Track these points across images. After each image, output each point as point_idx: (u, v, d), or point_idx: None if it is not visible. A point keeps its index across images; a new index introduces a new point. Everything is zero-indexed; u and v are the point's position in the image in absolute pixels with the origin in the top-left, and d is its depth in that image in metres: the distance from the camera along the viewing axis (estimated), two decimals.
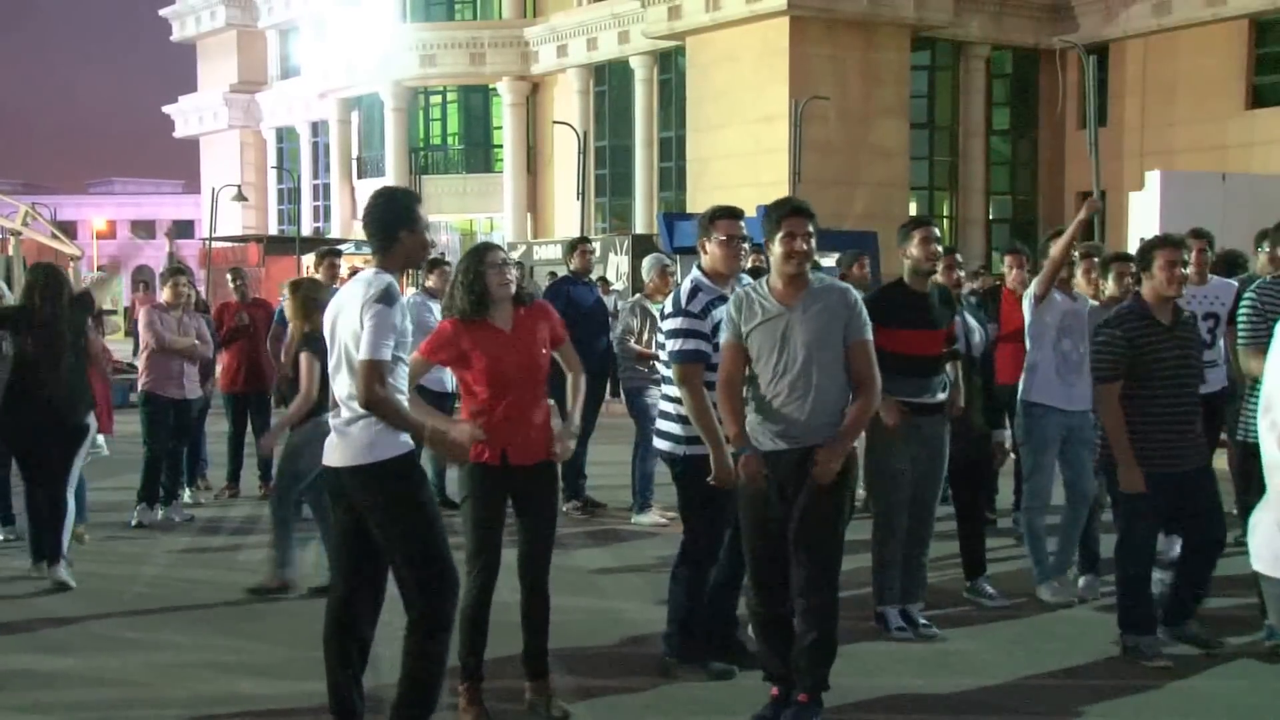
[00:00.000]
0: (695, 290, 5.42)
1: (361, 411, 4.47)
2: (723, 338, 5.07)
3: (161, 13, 58.60)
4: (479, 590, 5.04)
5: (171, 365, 9.51)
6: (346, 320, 4.52)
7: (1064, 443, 6.87)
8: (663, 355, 5.55)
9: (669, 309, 5.50)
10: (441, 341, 5.10)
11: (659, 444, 5.72)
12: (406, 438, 4.54)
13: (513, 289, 5.09)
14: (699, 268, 5.53)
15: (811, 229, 4.94)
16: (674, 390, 5.46)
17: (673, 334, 5.37)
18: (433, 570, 4.54)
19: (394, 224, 4.60)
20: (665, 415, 5.65)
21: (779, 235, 4.89)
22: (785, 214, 4.93)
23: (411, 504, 4.54)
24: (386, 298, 4.44)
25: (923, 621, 6.29)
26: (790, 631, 4.95)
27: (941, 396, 6.32)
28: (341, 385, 4.59)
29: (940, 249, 6.25)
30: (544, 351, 5.12)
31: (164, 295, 9.80)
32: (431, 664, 4.59)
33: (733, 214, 5.49)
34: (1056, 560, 6.94)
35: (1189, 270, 6.60)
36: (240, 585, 7.39)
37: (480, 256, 5.09)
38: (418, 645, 4.57)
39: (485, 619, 5.07)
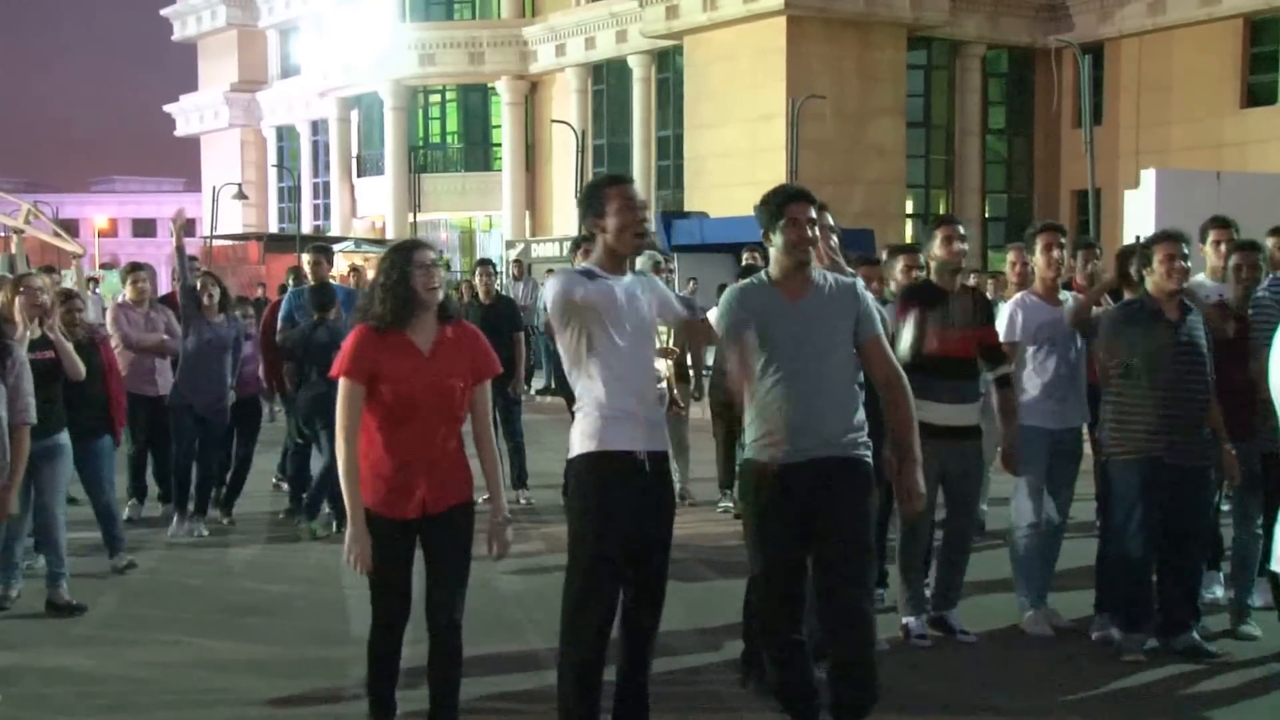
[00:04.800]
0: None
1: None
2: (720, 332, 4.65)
3: (163, 12, 58.63)
4: (387, 631, 4.53)
5: (143, 362, 9.39)
6: None
7: (1058, 462, 6.40)
8: None
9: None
10: (355, 355, 4.36)
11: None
12: (584, 439, 4.39)
13: (440, 295, 4.42)
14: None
15: (815, 215, 4.53)
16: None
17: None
18: (569, 578, 4.43)
19: (582, 218, 4.57)
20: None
21: (780, 224, 4.47)
22: (785, 200, 4.52)
23: (571, 508, 4.52)
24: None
25: (961, 628, 6.22)
26: (807, 656, 4.66)
27: (973, 418, 6.04)
28: None
29: (965, 247, 6.13)
30: (461, 385, 4.44)
31: (126, 293, 9.51)
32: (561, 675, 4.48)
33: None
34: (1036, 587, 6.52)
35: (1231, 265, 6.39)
36: (239, 585, 7.50)
37: (408, 254, 4.41)
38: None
39: (397, 652, 4.55)
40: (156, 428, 9.50)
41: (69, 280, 22.72)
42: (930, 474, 5.79)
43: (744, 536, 4.61)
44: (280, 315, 10.09)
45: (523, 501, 10.12)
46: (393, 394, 4.33)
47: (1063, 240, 6.42)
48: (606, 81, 40.83)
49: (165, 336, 9.35)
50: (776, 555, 4.47)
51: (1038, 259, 6.42)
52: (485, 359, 4.54)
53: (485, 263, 11.04)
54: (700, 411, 10.82)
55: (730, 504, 9.88)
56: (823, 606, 4.49)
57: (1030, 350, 6.33)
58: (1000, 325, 6.34)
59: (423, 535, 4.46)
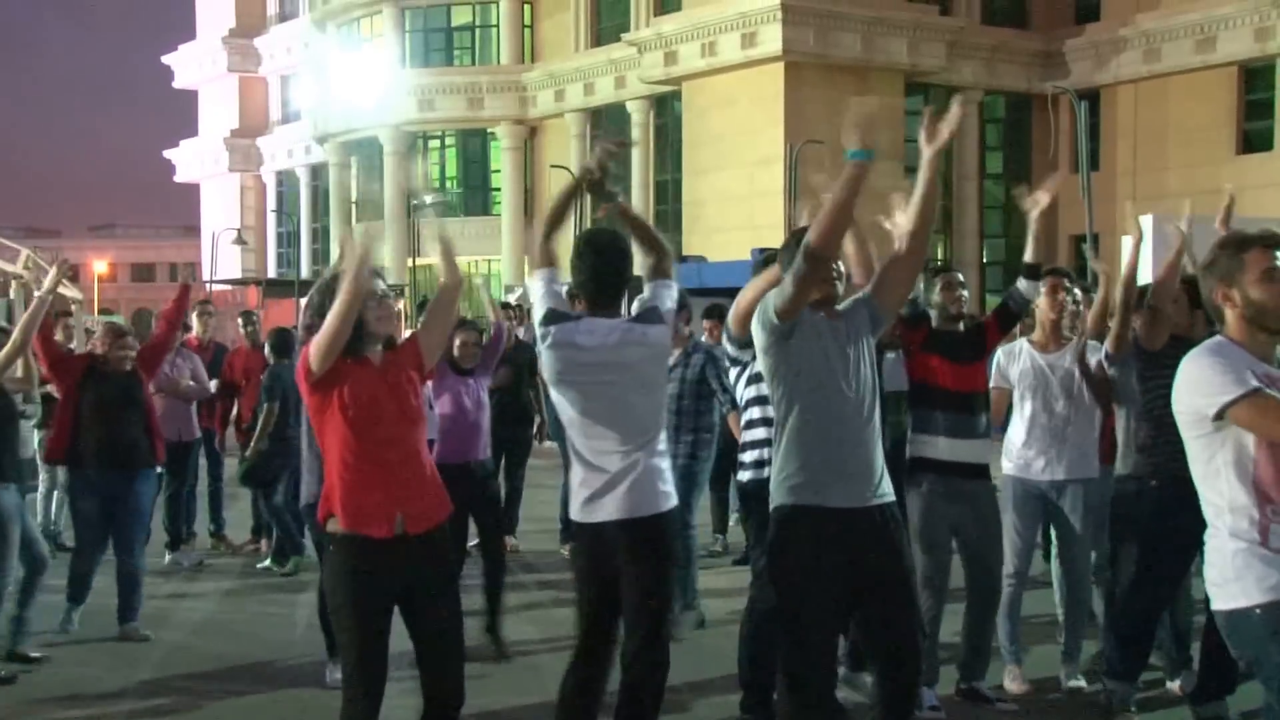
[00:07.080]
0: None
1: None
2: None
3: (164, 59, 59.10)
4: None
5: (175, 408, 9.51)
6: None
7: (1052, 516, 6.15)
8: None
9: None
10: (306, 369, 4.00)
11: (740, 474, 5.61)
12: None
13: (389, 327, 4.11)
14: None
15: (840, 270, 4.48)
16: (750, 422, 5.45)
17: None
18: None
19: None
20: (743, 446, 5.57)
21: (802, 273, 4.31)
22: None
23: None
24: None
25: (997, 697, 5.87)
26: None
27: (980, 455, 5.78)
28: None
29: (965, 294, 6.03)
30: (412, 384, 4.10)
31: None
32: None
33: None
34: (1066, 645, 6.19)
35: None
36: (232, 635, 7.42)
37: None
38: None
39: None
40: (180, 473, 9.71)
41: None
42: (942, 524, 5.65)
43: (776, 584, 4.17)
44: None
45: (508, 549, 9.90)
46: (355, 406, 3.94)
47: (1068, 284, 6.31)
48: (605, 126, 41.01)
49: (193, 383, 9.73)
50: (824, 615, 4.06)
51: (1041, 302, 6.24)
52: (410, 342, 4.22)
53: (506, 307, 10.76)
54: None
55: (720, 548, 9.80)
56: (887, 667, 4.19)
57: (1014, 396, 6.15)
58: (990, 370, 6.15)
59: (403, 599, 4.03)
